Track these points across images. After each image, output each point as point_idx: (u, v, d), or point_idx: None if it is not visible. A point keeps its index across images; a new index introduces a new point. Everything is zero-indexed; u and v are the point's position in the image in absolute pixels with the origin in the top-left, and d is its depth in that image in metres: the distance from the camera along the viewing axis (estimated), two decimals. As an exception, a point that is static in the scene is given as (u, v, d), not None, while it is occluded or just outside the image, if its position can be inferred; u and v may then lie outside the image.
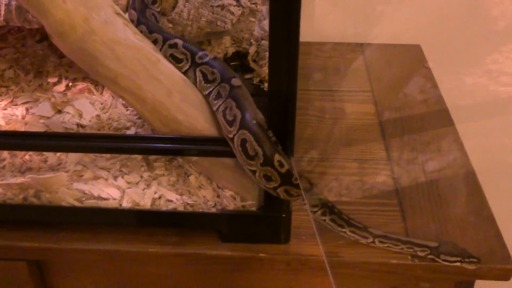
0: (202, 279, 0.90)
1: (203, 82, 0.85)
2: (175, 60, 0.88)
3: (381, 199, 0.93)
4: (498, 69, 1.17)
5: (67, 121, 0.97)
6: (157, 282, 0.91)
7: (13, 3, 0.97)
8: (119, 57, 0.82)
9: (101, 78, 0.85)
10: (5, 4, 0.97)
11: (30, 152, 0.91)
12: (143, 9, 0.95)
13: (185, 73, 0.87)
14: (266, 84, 1.10)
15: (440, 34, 1.34)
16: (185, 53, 0.87)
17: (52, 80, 1.06)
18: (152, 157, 0.91)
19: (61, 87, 1.04)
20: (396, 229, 0.88)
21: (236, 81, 0.83)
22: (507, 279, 0.84)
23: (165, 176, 0.89)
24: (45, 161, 0.91)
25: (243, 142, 0.77)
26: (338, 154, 1.02)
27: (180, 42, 0.88)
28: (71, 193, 0.86)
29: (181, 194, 0.87)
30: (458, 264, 0.82)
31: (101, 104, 1.00)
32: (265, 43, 1.17)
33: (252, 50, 1.17)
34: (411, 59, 1.32)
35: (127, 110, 1.00)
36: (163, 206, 0.86)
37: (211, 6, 1.02)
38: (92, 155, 0.91)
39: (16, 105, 1.01)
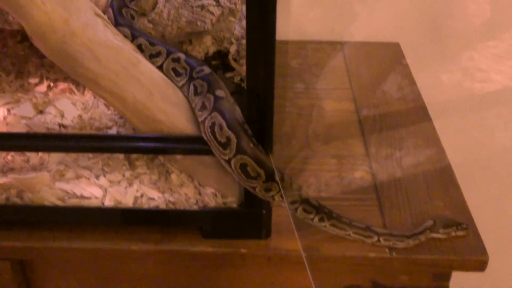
0: (185, 276, 0.91)
1: (193, 95, 0.85)
2: (175, 74, 0.88)
3: (359, 194, 0.95)
4: (473, 66, 1.20)
5: (49, 121, 0.97)
6: (140, 279, 0.92)
7: (-7, 4, 0.97)
8: (99, 58, 0.83)
9: (81, 79, 0.86)
10: (-15, 6, 0.97)
11: (12, 153, 0.92)
12: (120, 8, 0.95)
13: (181, 87, 0.87)
14: (247, 83, 1.12)
15: (417, 31, 1.37)
16: (185, 67, 0.87)
17: (33, 80, 1.06)
18: (133, 156, 0.92)
19: (42, 87, 1.04)
20: (375, 223, 0.90)
21: (220, 92, 0.82)
22: (482, 270, 0.86)
23: (146, 174, 0.90)
24: (27, 161, 0.92)
25: (243, 165, 0.79)
26: (317, 151, 1.04)
27: (183, 56, 0.88)
28: (54, 192, 0.87)
29: (162, 192, 0.88)
30: (454, 233, 0.86)
31: (83, 104, 1.01)
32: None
33: (232, 49, 1.18)
34: (390, 57, 1.34)
35: (108, 110, 1.00)
36: (145, 204, 0.87)
37: (191, 6, 1.03)
38: (74, 155, 0.91)
39: (-3, 106, 1.01)
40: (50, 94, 1.03)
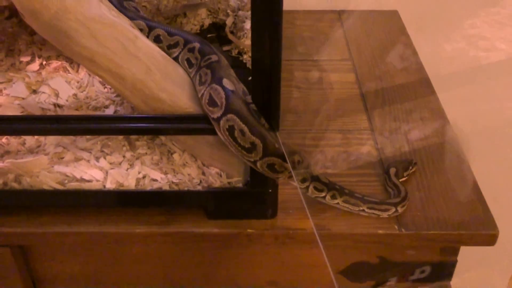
0: (190, 258, 0.90)
1: (198, 85, 0.82)
2: (188, 64, 0.85)
3: (366, 169, 0.93)
4: (477, 34, 1.17)
5: (44, 101, 0.94)
6: (144, 262, 0.90)
7: (-20, -21, 0.93)
8: (95, 35, 0.79)
9: (77, 57, 0.82)
10: (-29, -19, 0.93)
11: (7, 135, 0.89)
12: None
13: (192, 78, 0.84)
14: (245, 56, 1.09)
15: (416, -1, 1.34)
16: (197, 57, 0.84)
17: (25, 59, 1.02)
18: (133, 136, 0.89)
19: (34, 66, 1.00)
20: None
21: (226, 82, 0.79)
22: (491, 244, 0.85)
23: (148, 155, 0.87)
24: (23, 143, 0.88)
25: (270, 165, 0.77)
26: (321, 125, 1.01)
27: (197, 46, 0.85)
28: (53, 176, 0.84)
29: (165, 173, 0.85)
30: (411, 172, 0.90)
31: (78, 82, 0.98)
32: (242, 13, 1.15)
33: (229, 21, 1.14)
34: (389, 26, 1.31)
35: (104, 88, 0.97)
36: (147, 185, 0.84)
37: (187, -23, 0.99)
38: (71, 136, 0.88)
39: (-12, 86, 0.97)
40: (43, 72, 0.99)
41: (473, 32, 1.17)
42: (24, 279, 0.90)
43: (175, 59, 0.86)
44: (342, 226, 0.85)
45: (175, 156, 0.87)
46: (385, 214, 0.85)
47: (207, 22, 1.17)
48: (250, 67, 1.05)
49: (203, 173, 0.86)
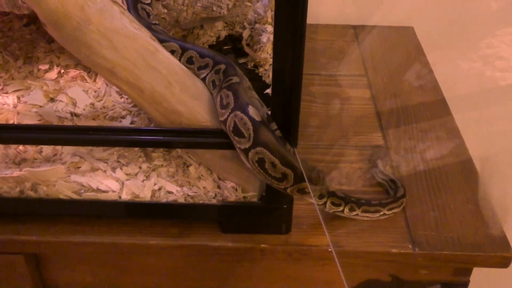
0: (203, 271, 0.90)
1: (219, 107, 0.80)
2: (213, 86, 0.84)
3: (380, 187, 0.93)
4: (494, 54, 1.17)
5: (61, 109, 0.95)
6: (157, 274, 0.90)
7: (2, -12, 0.93)
8: (116, 47, 0.79)
9: (97, 68, 0.83)
10: (-6, -11, 0.93)
11: (24, 143, 0.89)
12: (135, 4, 0.92)
13: (214, 98, 0.83)
14: (261, 69, 1.09)
15: (432, 15, 1.34)
16: (220, 78, 0.83)
17: (43, 67, 1.03)
18: (150, 148, 0.89)
19: (53, 74, 1.01)
20: (395, 217, 0.89)
21: (252, 110, 0.76)
22: (505, 266, 0.85)
23: (164, 167, 0.88)
24: (40, 151, 0.89)
25: (301, 190, 0.77)
26: (336, 141, 1.02)
27: (223, 67, 0.84)
28: (69, 185, 0.84)
29: (181, 186, 0.86)
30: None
31: (95, 92, 0.98)
32: (259, 26, 1.16)
33: (245, 34, 1.15)
34: (404, 42, 1.31)
35: (121, 97, 0.98)
36: (163, 197, 0.85)
37: (207, -10, 1.00)
38: (88, 146, 0.89)
39: (6, 93, 0.98)
40: (61, 81, 1.00)
41: (490, 51, 1.17)
42: (36, 286, 0.90)
43: (203, 80, 0.86)
44: (356, 244, 0.85)
45: (191, 168, 0.87)
46: (400, 209, 0.88)
47: (224, 34, 1.18)
48: (265, 80, 1.06)
49: (219, 187, 0.86)
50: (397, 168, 0.95)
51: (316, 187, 0.79)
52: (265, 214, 0.85)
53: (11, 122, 0.92)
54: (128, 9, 0.94)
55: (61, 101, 0.96)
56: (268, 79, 1.05)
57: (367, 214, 0.86)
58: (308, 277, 0.89)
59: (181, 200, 0.85)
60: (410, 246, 0.84)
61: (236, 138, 0.76)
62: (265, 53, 1.11)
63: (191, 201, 0.85)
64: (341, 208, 0.85)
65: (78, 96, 0.97)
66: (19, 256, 0.86)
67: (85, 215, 0.86)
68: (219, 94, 0.80)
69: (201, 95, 0.84)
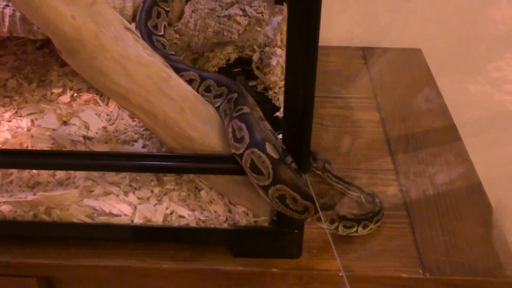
0: (214, 294, 0.90)
1: (232, 139, 0.80)
2: (224, 114, 0.85)
3: (390, 211, 0.94)
4: (502, 77, 1.18)
5: (74, 133, 0.96)
6: (168, 297, 0.91)
7: (18, 14, 0.95)
8: (130, 73, 0.81)
9: (110, 94, 0.84)
10: (9, 16, 0.95)
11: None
12: (149, 36, 0.94)
13: (226, 127, 0.83)
14: (270, 92, 1.10)
15: (440, 38, 1.35)
16: (231, 107, 0.84)
17: (56, 90, 1.04)
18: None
19: (66, 97, 1.02)
20: (405, 241, 0.89)
21: (269, 147, 0.76)
22: (517, 291, 0.85)
23: (175, 191, 0.89)
24: (53, 175, 0.90)
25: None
26: (346, 165, 1.02)
27: (235, 96, 0.85)
28: (82, 209, 0.85)
29: (192, 210, 0.86)
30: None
31: (107, 115, 1.00)
32: (268, 50, 1.17)
33: (255, 57, 1.16)
34: (412, 64, 1.32)
35: (133, 121, 0.99)
36: (175, 221, 0.85)
37: (218, 16, 1.01)
38: (101, 170, 0.90)
39: (20, 116, 1.00)
40: (74, 105, 1.01)
41: (498, 75, 1.18)
42: (48, 309, 0.91)
43: (217, 108, 0.87)
44: (366, 268, 0.85)
45: (202, 193, 0.88)
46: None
47: (233, 56, 1.19)
48: (275, 103, 1.07)
49: (230, 211, 0.87)
50: (407, 193, 0.96)
51: (327, 212, 0.80)
52: (275, 239, 0.85)
53: (25, 145, 0.94)
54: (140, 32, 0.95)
55: (74, 124, 0.97)
56: (278, 102, 1.06)
57: (379, 223, 0.89)
58: (319, 302, 0.90)
59: (193, 224, 0.85)
60: (420, 271, 0.85)
61: (254, 175, 0.77)
62: (275, 76, 1.12)
63: (202, 225, 0.86)
64: (354, 229, 0.86)
65: (91, 120, 0.98)
66: (32, 279, 0.87)
67: (98, 238, 0.87)
68: (231, 124, 0.81)
69: (212, 120, 0.85)
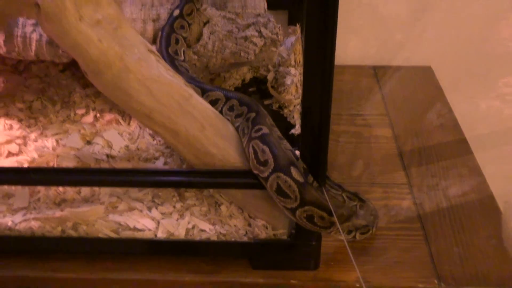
0: (235, 306, 0.93)
1: (255, 161, 0.82)
2: (242, 134, 0.87)
3: (405, 223, 0.96)
4: (511, 92, 1.20)
5: (97, 152, 0.99)
6: (190, 309, 0.93)
7: (44, 38, 0.99)
8: (153, 93, 0.84)
9: (135, 114, 0.88)
10: (36, 40, 0.99)
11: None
12: (172, 61, 0.98)
13: (245, 147, 0.85)
14: (285, 110, 1.13)
15: (450, 56, 1.38)
16: (249, 126, 0.86)
17: (79, 111, 1.08)
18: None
19: (89, 118, 1.06)
20: (420, 253, 0.91)
21: (294, 172, 0.79)
22: (531, 304, 0.87)
23: (196, 206, 0.92)
24: (79, 192, 0.93)
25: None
26: (361, 179, 1.05)
27: (253, 115, 0.87)
28: (108, 225, 0.88)
29: (213, 224, 0.89)
30: None
31: (129, 134, 1.03)
32: (283, 69, 1.21)
33: (270, 76, 1.20)
34: (423, 82, 1.35)
35: (154, 140, 1.03)
36: (196, 236, 0.88)
37: (235, 37, 1.05)
38: (125, 187, 0.93)
39: (46, 136, 1.03)
40: (97, 124, 1.05)
41: (508, 90, 1.21)
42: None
43: (237, 128, 0.89)
44: (383, 279, 0.88)
45: (223, 207, 0.91)
46: None
47: (248, 76, 1.23)
48: (290, 120, 1.10)
49: (249, 225, 0.90)
50: (421, 206, 0.98)
51: (344, 224, 0.83)
52: (294, 251, 0.88)
53: (51, 164, 0.97)
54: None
55: (97, 143, 1.01)
56: (293, 120, 1.10)
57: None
58: (337, 313, 0.92)
59: (214, 238, 0.88)
60: (436, 282, 0.87)
61: (281, 198, 0.80)
62: (290, 94, 1.15)
63: (223, 238, 0.88)
64: (370, 232, 0.90)
65: (113, 139, 1.02)
66: (59, 293, 0.90)
67: (123, 253, 0.90)
68: (251, 144, 0.82)
69: (231, 137, 0.88)
